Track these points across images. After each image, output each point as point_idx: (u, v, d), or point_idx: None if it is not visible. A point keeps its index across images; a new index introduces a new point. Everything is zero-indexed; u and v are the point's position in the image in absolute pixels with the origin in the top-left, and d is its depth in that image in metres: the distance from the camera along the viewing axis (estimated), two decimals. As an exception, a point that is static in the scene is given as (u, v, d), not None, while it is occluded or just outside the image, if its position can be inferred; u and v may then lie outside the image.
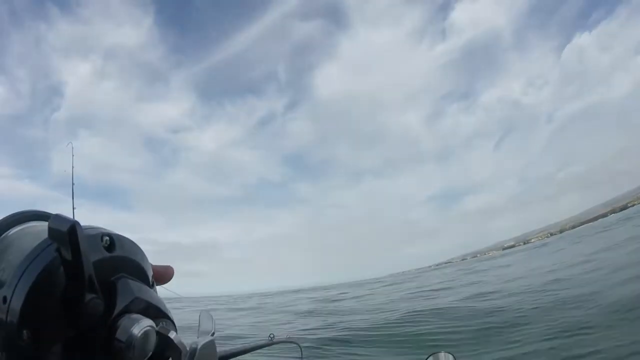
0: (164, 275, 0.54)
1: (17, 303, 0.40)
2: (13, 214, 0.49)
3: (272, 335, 1.32)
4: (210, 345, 0.46)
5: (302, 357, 1.38)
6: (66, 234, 0.40)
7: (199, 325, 0.50)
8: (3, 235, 0.47)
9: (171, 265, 0.55)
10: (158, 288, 0.52)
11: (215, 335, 0.49)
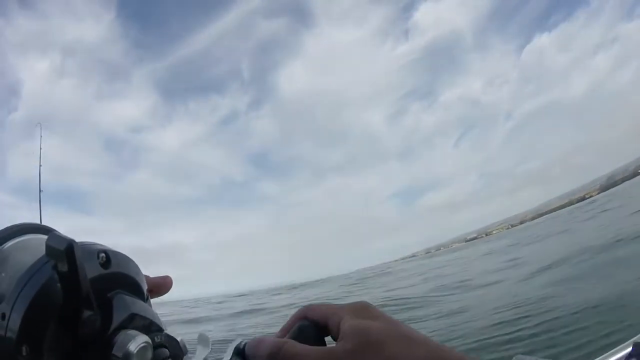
0: (162, 286, 0.56)
1: (16, 319, 0.40)
2: (9, 226, 0.49)
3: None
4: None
5: None
6: (63, 253, 0.41)
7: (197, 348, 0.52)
8: (1, 246, 0.47)
9: (169, 275, 0.57)
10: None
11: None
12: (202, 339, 0.52)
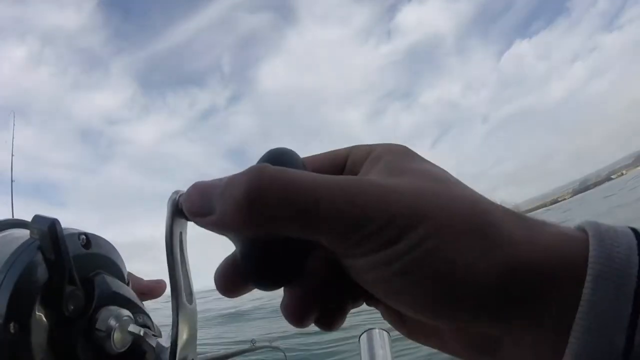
0: (155, 289, 0.55)
1: (3, 298, 0.41)
2: None
3: (253, 341, 1.34)
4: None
5: None
6: (47, 231, 0.42)
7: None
8: None
9: (163, 280, 0.56)
10: None
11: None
12: None
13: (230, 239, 0.29)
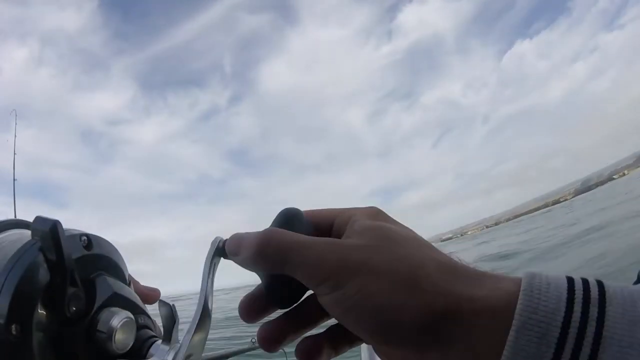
0: (149, 297, 0.56)
1: (5, 300, 0.42)
2: None
3: (253, 340, 1.39)
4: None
5: None
6: (49, 232, 0.43)
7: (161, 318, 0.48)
8: None
9: (158, 289, 0.58)
10: None
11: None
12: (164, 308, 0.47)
13: (257, 274, 0.42)
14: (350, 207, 0.44)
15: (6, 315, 0.41)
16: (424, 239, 0.40)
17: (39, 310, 0.43)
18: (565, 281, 0.33)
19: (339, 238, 0.40)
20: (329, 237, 0.41)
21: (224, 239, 0.44)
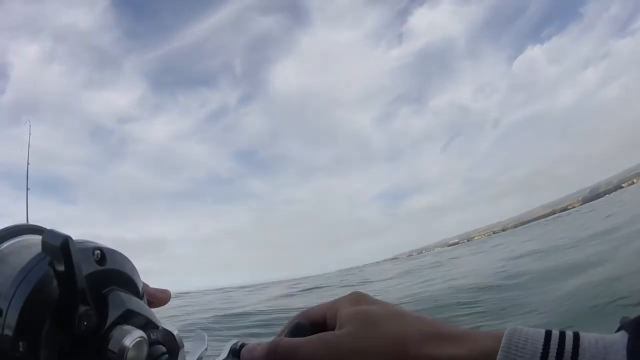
0: (160, 299, 0.57)
1: (13, 315, 0.41)
2: (5, 227, 0.50)
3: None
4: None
5: None
6: (59, 248, 0.41)
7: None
8: None
9: (169, 290, 0.58)
10: None
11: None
12: (199, 336, 0.52)
13: None
14: (337, 298, 0.51)
15: (14, 332, 0.40)
16: (406, 311, 0.46)
17: (48, 328, 0.42)
18: (543, 335, 0.37)
19: (333, 329, 0.47)
20: (326, 330, 0.48)
21: (240, 342, 0.50)
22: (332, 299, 0.51)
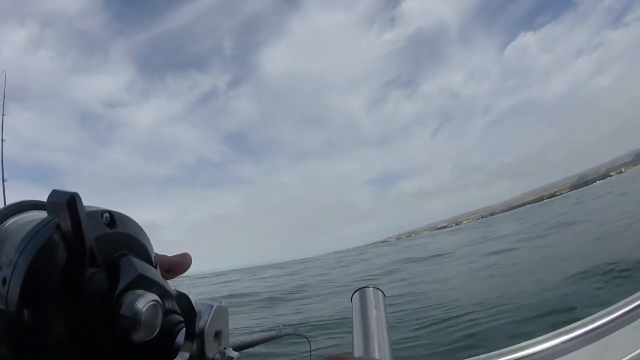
0: (181, 264, 0.53)
1: (16, 282, 0.37)
2: (10, 204, 0.46)
3: (279, 328, 1.35)
4: (224, 310, 0.45)
5: (311, 350, 1.37)
6: (65, 205, 0.38)
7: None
8: (1, 225, 0.44)
9: (188, 253, 0.54)
10: None
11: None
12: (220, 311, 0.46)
13: None
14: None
15: (17, 299, 0.37)
16: None
17: (55, 294, 0.38)
18: None
19: None
20: None
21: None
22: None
